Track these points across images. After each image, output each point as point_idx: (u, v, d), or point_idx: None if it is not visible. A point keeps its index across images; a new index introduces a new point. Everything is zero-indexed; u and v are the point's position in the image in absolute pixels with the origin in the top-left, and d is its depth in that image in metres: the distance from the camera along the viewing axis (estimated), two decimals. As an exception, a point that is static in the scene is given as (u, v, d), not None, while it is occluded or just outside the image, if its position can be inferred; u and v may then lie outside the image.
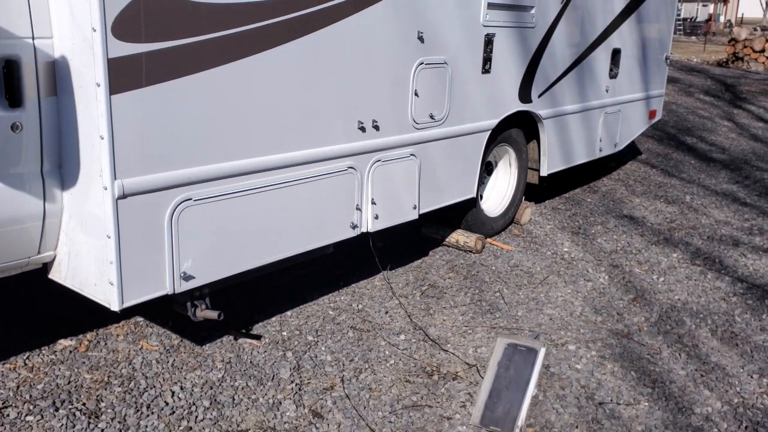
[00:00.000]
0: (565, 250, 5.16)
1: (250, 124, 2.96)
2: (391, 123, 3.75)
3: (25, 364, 3.16)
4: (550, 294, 4.37)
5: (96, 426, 2.76)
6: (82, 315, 3.62)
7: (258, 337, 3.58)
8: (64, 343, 3.37)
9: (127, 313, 3.66)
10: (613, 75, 6.01)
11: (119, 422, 2.80)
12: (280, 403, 3.03)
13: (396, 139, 3.81)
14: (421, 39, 3.78)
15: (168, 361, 3.28)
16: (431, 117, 4.02)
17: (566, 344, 3.74)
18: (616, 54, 5.97)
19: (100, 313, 3.66)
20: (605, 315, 4.13)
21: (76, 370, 3.15)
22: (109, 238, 2.55)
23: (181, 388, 3.06)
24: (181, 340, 3.48)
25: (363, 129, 3.57)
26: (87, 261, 2.69)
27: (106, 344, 3.40)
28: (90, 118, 2.47)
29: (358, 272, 4.47)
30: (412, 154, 3.95)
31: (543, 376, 3.38)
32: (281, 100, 3.08)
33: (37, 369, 3.13)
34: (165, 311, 3.67)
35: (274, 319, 3.81)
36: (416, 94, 3.85)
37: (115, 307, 2.63)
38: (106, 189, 2.50)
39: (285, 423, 2.91)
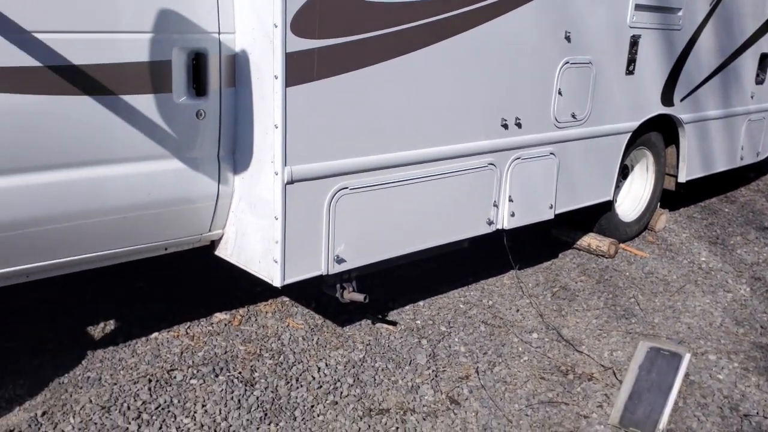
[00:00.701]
0: (703, 259, 4.98)
1: (404, 118, 3.10)
2: (533, 121, 3.78)
3: (187, 333, 3.45)
4: (688, 303, 4.25)
5: (251, 393, 2.98)
6: (234, 292, 3.90)
7: (394, 324, 3.71)
8: (219, 316, 3.64)
9: (276, 292, 3.91)
10: (759, 81, 5.73)
11: (272, 392, 3.01)
12: (419, 387, 3.15)
13: (537, 138, 3.84)
14: (567, 39, 3.79)
15: (313, 339, 3.48)
16: (573, 116, 4.01)
17: (706, 354, 3.63)
18: (764, 59, 5.69)
19: (250, 291, 3.93)
20: (747, 327, 3.97)
21: (231, 341, 3.41)
22: (277, 219, 2.75)
23: (326, 365, 3.24)
24: (324, 321, 3.67)
25: (506, 126, 3.63)
26: (253, 240, 2.91)
27: (256, 320, 3.65)
28: (265, 108, 2.68)
29: (487, 269, 4.52)
30: (551, 153, 3.96)
31: (683, 383, 3.30)
32: (433, 96, 3.19)
33: (197, 338, 3.41)
34: (308, 293, 3.89)
35: (407, 307, 3.94)
36: (560, 93, 3.86)
37: (277, 283, 2.84)
38: (276, 174, 2.70)
39: (424, 406, 3.02)
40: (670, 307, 4.16)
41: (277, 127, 2.65)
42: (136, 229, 2.73)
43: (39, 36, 2.23)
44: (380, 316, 3.78)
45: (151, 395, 2.91)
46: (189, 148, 2.74)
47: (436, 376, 3.25)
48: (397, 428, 2.85)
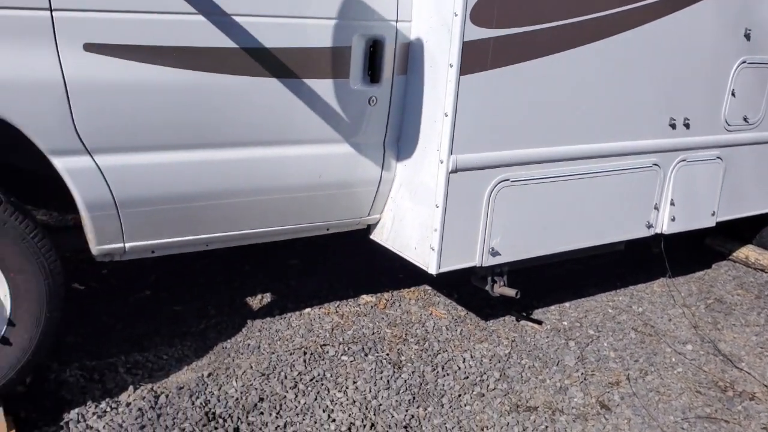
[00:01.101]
0: None
1: (570, 112, 3.03)
2: (702, 122, 3.58)
3: (336, 311, 3.57)
4: None
5: (399, 376, 3.04)
6: (379, 277, 3.99)
7: (539, 322, 3.66)
8: (366, 298, 3.74)
9: (418, 280, 3.96)
10: None
11: (419, 377, 3.05)
12: (567, 388, 3.08)
13: (704, 140, 3.63)
14: (747, 37, 3.55)
15: (456, 330, 3.49)
16: (744, 119, 3.76)
17: None
18: None
19: (393, 277, 4.00)
20: None
21: (377, 323, 3.49)
22: (437, 207, 2.78)
23: (471, 357, 3.25)
24: (467, 313, 3.68)
25: (673, 126, 3.46)
26: (410, 226, 2.96)
27: (400, 305, 3.71)
28: (436, 97, 2.71)
29: (635, 274, 4.34)
30: (718, 157, 3.74)
31: None
32: (599, 91, 3.10)
33: (346, 317, 3.52)
34: (451, 284, 3.91)
35: (553, 307, 3.86)
36: (733, 94, 3.63)
37: (432, 270, 2.87)
38: (442, 162, 2.73)
39: (573, 408, 2.95)
40: (844, 332, 3.82)
41: (446, 116, 2.67)
42: (305, 209, 2.86)
43: (237, 19, 2.37)
44: (524, 314, 3.73)
45: (305, 367, 3.04)
46: (358, 133, 2.82)
47: (584, 379, 3.17)
48: (546, 427, 2.81)
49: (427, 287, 3.95)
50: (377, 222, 3.15)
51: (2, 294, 2.25)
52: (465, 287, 3.88)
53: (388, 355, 3.19)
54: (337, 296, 3.71)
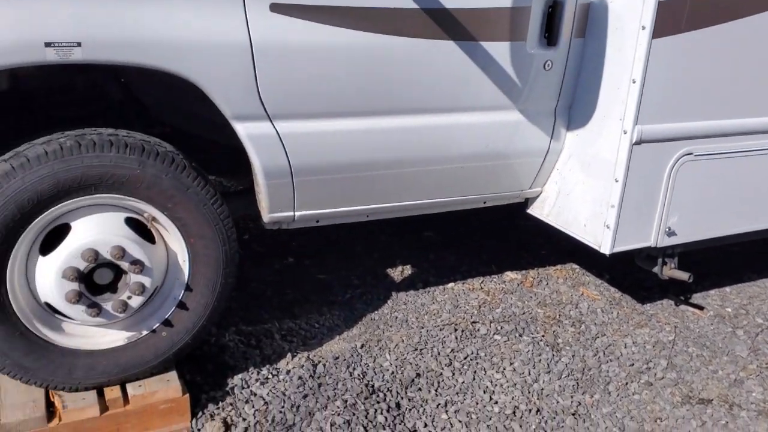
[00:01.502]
0: None
1: (763, 80, 2.73)
2: None
3: (482, 288, 3.44)
4: None
5: (559, 359, 2.88)
6: (520, 252, 3.83)
7: (700, 308, 3.40)
8: (510, 275, 3.59)
9: (563, 258, 3.78)
10: None
11: (580, 361, 2.89)
12: (743, 381, 2.84)
13: None
14: None
15: (612, 312, 3.29)
16: None
17: None
18: None
19: (536, 253, 3.83)
20: None
21: (526, 302, 3.33)
22: (617, 182, 2.58)
23: (633, 342, 3.05)
24: (622, 295, 3.46)
25: None
26: (580, 201, 2.77)
27: (548, 284, 3.54)
28: (622, 61, 2.49)
29: (799, 260, 3.98)
30: None
31: None
32: (797, 57, 2.78)
33: (493, 294, 3.38)
34: (600, 263, 3.69)
35: (712, 292, 3.59)
36: None
37: (605, 250, 2.68)
38: (625, 133, 2.52)
39: (751, 404, 2.71)
40: None
41: (634, 82, 2.45)
42: (467, 180, 2.72)
43: (418, -23, 2.23)
44: (682, 298, 3.48)
45: (457, 344, 2.93)
46: (530, 100, 2.64)
47: (760, 372, 2.92)
48: (727, 423, 2.59)
49: (574, 265, 3.75)
50: (537, 195, 2.97)
51: (181, 259, 2.24)
52: (616, 268, 3.67)
53: (543, 336, 3.04)
54: (480, 272, 3.58)
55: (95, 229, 2.05)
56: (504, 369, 2.80)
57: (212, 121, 2.36)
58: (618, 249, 2.69)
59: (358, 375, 2.68)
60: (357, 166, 2.42)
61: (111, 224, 2.08)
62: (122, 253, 2.06)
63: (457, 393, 2.63)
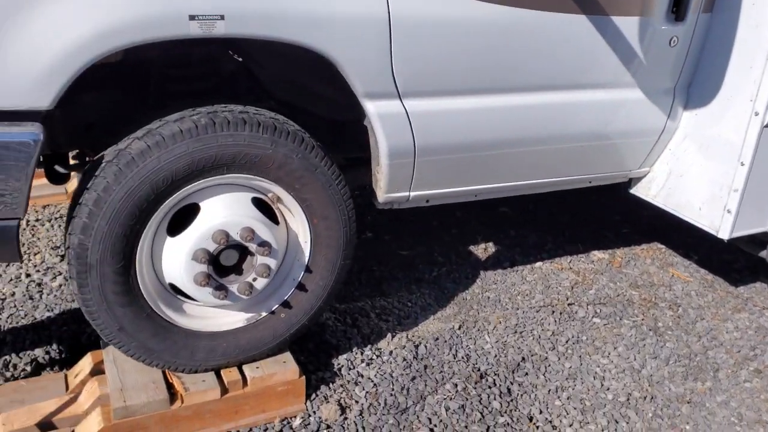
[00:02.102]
0: None
1: None
2: None
3: (570, 268, 3.36)
4: None
5: (664, 345, 2.81)
6: (602, 232, 3.74)
7: (797, 293, 3.31)
8: (598, 254, 3.51)
9: (648, 238, 3.69)
10: None
11: (685, 346, 2.82)
12: None
13: None
14: None
15: (707, 296, 3.21)
16: None
17: None
18: None
19: (617, 232, 3.74)
20: None
21: (617, 283, 3.25)
22: (743, 165, 2.48)
23: (735, 328, 2.97)
24: (714, 277, 3.38)
25: None
26: (695, 184, 2.67)
27: (636, 264, 3.45)
28: (757, 39, 2.36)
29: None
30: None
31: None
32: None
33: (583, 274, 3.31)
34: (688, 244, 3.61)
35: (805, 276, 3.49)
36: None
37: (724, 235, 2.59)
38: (756, 115, 2.40)
39: None
40: None
41: (772, 62, 2.33)
42: (580, 160, 2.62)
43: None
44: (776, 282, 3.39)
45: (557, 326, 2.87)
46: (652, 77, 2.53)
47: None
48: None
49: (659, 245, 3.66)
50: (644, 175, 2.87)
51: (303, 240, 2.17)
52: (701, 247, 3.57)
53: (643, 320, 2.97)
54: (566, 251, 3.50)
55: (225, 210, 1.98)
56: (609, 354, 2.74)
57: (328, 98, 2.28)
58: (737, 234, 2.60)
59: (462, 357, 2.63)
60: (479, 145, 2.33)
61: (240, 205, 2.01)
62: (252, 234, 1.99)
63: (566, 378, 2.57)
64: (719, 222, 2.59)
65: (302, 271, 2.20)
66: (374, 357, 2.58)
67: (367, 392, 2.40)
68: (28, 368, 2.39)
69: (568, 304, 3.03)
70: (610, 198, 4.05)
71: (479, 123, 2.28)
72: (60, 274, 2.94)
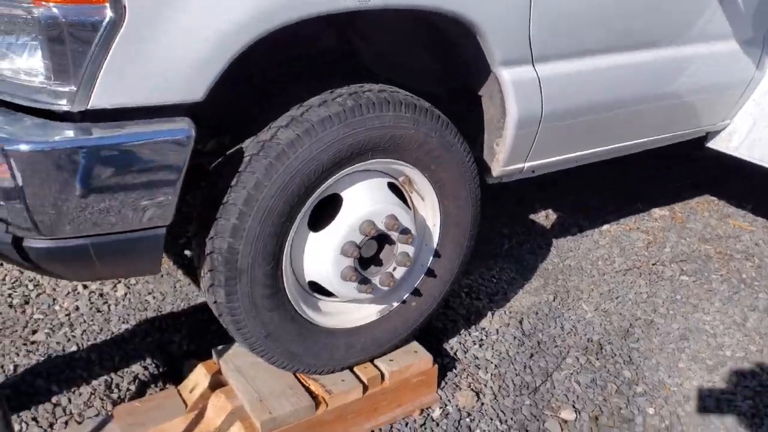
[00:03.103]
0: None
1: None
2: None
3: (638, 228, 3.33)
4: None
5: (757, 296, 2.82)
6: (647, 188, 3.73)
7: None
8: (658, 212, 3.49)
9: (700, 190, 3.69)
10: None
11: (777, 296, 2.83)
12: None
13: None
14: None
15: (775, 245, 3.24)
16: None
17: None
18: None
19: (662, 187, 3.73)
20: None
21: (687, 239, 3.25)
22: (843, 109, 2.46)
23: (816, 274, 3.00)
24: (776, 226, 3.41)
25: None
26: (785, 132, 2.65)
27: (696, 218, 3.46)
28: None
29: None
30: None
31: None
32: None
33: (652, 233, 3.28)
34: (735, 193, 3.63)
35: None
36: None
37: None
38: None
39: None
40: None
41: None
42: (675, 117, 2.57)
43: None
44: (833, 223, 3.44)
45: (649, 288, 2.84)
46: (746, 27, 2.47)
47: None
48: None
49: (711, 197, 3.68)
50: (723, 129, 2.84)
51: (432, 224, 2.05)
52: (750, 195, 3.60)
53: (727, 273, 2.97)
54: (628, 211, 3.47)
55: (367, 199, 1.84)
56: (708, 311, 2.72)
57: (432, 72, 2.16)
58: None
59: (570, 330, 2.57)
60: (599, 107, 2.24)
61: (380, 192, 1.88)
62: (396, 222, 1.86)
63: (680, 339, 2.54)
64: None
65: (431, 257, 2.09)
66: (483, 337, 2.50)
67: (491, 375, 2.32)
68: (133, 387, 2.22)
69: (652, 264, 3.00)
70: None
71: (601, 84, 2.19)
72: (119, 281, 2.74)
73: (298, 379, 2.02)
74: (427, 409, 2.16)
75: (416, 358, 2.14)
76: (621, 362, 2.40)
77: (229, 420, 1.97)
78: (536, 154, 2.24)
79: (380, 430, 2.08)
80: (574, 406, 2.19)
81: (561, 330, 2.56)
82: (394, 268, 1.95)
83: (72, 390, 2.12)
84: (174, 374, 2.26)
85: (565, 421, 2.14)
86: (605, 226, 3.33)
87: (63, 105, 1.39)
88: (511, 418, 2.13)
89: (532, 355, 2.42)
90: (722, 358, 2.46)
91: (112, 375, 2.24)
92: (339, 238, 1.80)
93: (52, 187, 1.41)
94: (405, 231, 1.90)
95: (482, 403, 2.19)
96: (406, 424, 2.10)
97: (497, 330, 2.54)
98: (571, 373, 2.34)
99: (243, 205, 1.63)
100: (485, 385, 2.27)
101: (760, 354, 2.48)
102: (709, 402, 2.25)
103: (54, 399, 2.08)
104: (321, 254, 1.82)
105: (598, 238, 3.22)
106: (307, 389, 2.00)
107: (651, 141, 2.63)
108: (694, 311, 2.71)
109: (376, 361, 2.11)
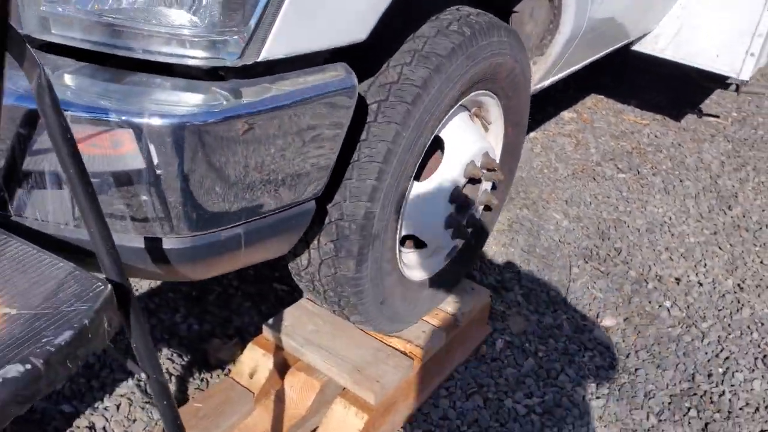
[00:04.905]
0: None
1: None
2: None
3: (560, 133, 3.49)
4: None
5: (684, 182, 3.14)
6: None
7: (716, 116, 3.88)
8: (567, 115, 3.68)
9: (577, 95, 3.95)
10: None
11: (705, 178, 3.18)
12: (805, 172, 3.40)
13: None
14: None
15: (668, 135, 3.61)
16: None
17: None
18: None
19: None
20: None
21: (601, 138, 3.49)
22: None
23: (713, 150, 3.42)
24: (663, 118, 3.79)
25: None
26: (712, 33, 2.90)
27: (597, 116, 3.72)
28: None
29: None
30: None
31: None
32: None
33: (572, 135, 3.47)
34: (609, 90, 3.95)
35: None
36: None
37: (745, 76, 2.90)
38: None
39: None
40: None
41: None
42: (633, 23, 2.68)
43: None
44: (701, 110, 3.92)
45: (599, 189, 3.03)
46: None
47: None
48: None
49: (598, 96, 3.96)
50: (647, 33, 3.04)
51: (494, 154, 1.94)
52: (631, 92, 3.95)
53: (652, 167, 3.26)
54: (540, 116, 3.62)
55: (463, 138, 1.68)
56: (656, 203, 2.98)
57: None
58: (753, 72, 2.93)
59: (561, 240, 2.66)
60: (609, 20, 2.24)
61: (471, 129, 1.72)
62: (489, 160, 1.73)
63: (648, 233, 2.76)
64: (740, 65, 2.88)
65: (490, 189, 1.99)
66: (489, 261, 2.50)
67: (520, 296, 2.34)
68: (171, 385, 1.88)
69: (591, 167, 3.19)
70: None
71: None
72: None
73: (379, 341, 1.85)
74: (485, 342, 2.12)
75: (477, 295, 2.07)
76: (619, 263, 2.56)
77: (321, 398, 1.77)
78: (560, 68, 2.20)
79: (457, 372, 2.01)
80: (608, 313, 2.31)
81: (552, 241, 2.64)
82: (477, 209, 1.83)
83: (96, 406, 1.73)
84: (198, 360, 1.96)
85: (608, 328, 2.25)
86: (531, 134, 3.44)
87: (228, 59, 1.04)
88: (559, 335, 2.18)
89: (542, 269, 2.47)
90: (690, 244, 2.73)
91: (135, 378, 1.87)
92: (447, 184, 1.64)
93: (215, 165, 1.08)
94: (494, 168, 1.78)
95: (530, 326, 2.21)
96: (478, 362, 2.05)
97: (497, 252, 2.54)
98: (585, 282, 2.44)
99: (383, 162, 1.39)
100: (524, 308, 2.28)
101: (715, 235, 2.80)
102: (701, 287, 2.50)
103: (85, 422, 1.69)
104: (427, 204, 1.64)
105: (531, 146, 3.32)
106: (393, 348, 1.85)
107: (617, 48, 2.72)
108: (645, 205, 2.95)
109: (442, 306, 2.01)
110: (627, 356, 2.14)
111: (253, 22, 1.02)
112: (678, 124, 3.74)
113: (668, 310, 2.35)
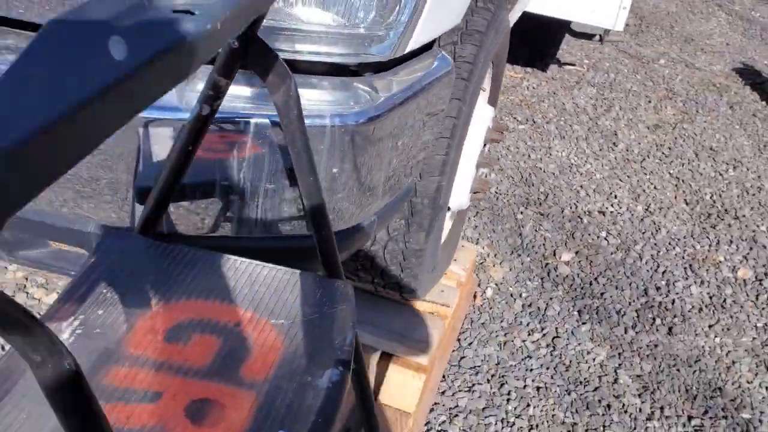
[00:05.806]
0: None
1: None
2: None
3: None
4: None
5: (574, 126, 3.53)
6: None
7: (572, 64, 4.34)
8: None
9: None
10: None
11: (591, 126, 3.59)
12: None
13: None
14: None
15: (542, 85, 3.99)
16: None
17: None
18: None
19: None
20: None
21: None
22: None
23: (587, 93, 3.85)
24: (534, 71, 4.16)
25: None
26: (588, -9, 3.26)
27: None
28: None
29: None
30: None
31: None
32: None
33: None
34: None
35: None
36: None
37: (620, 27, 3.29)
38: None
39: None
40: None
41: None
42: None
43: None
44: (560, 61, 4.36)
45: (538, 141, 3.31)
46: None
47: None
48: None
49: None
50: None
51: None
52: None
53: (544, 118, 3.61)
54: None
55: (481, 106, 1.81)
56: (558, 152, 3.33)
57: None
58: (623, 25, 3.34)
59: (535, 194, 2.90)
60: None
61: (481, 97, 1.85)
62: (499, 123, 1.88)
63: (560, 173, 3.10)
64: (615, 18, 3.28)
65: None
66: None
67: (485, 246, 2.55)
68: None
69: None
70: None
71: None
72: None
73: (409, 308, 1.96)
74: (476, 294, 2.30)
75: (467, 251, 2.23)
76: (552, 204, 2.85)
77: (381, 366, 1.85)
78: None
79: (464, 324, 2.17)
80: (561, 250, 2.59)
81: (490, 193, 2.87)
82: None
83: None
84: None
85: (567, 262, 2.53)
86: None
87: (379, 54, 1.09)
88: (532, 276, 2.43)
89: (493, 220, 2.70)
90: (598, 180, 3.10)
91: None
92: (476, 148, 1.76)
93: (373, 158, 1.13)
94: (501, 130, 1.93)
95: (506, 273, 2.43)
96: (479, 312, 2.23)
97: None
98: (533, 226, 2.71)
99: (450, 137, 1.49)
100: (493, 257, 2.49)
101: (614, 170, 3.20)
102: (622, 216, 2.87)
103: None
104: (465, 170, 1.76)
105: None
106: (424, 312, 1.97)
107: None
108: (550, 151, 3.28)
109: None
110: (590, 284, 2.44)
111: (405, 17, 1.07)
112: (545, 74, 4.14)
113: (606, 240, 2.69)
